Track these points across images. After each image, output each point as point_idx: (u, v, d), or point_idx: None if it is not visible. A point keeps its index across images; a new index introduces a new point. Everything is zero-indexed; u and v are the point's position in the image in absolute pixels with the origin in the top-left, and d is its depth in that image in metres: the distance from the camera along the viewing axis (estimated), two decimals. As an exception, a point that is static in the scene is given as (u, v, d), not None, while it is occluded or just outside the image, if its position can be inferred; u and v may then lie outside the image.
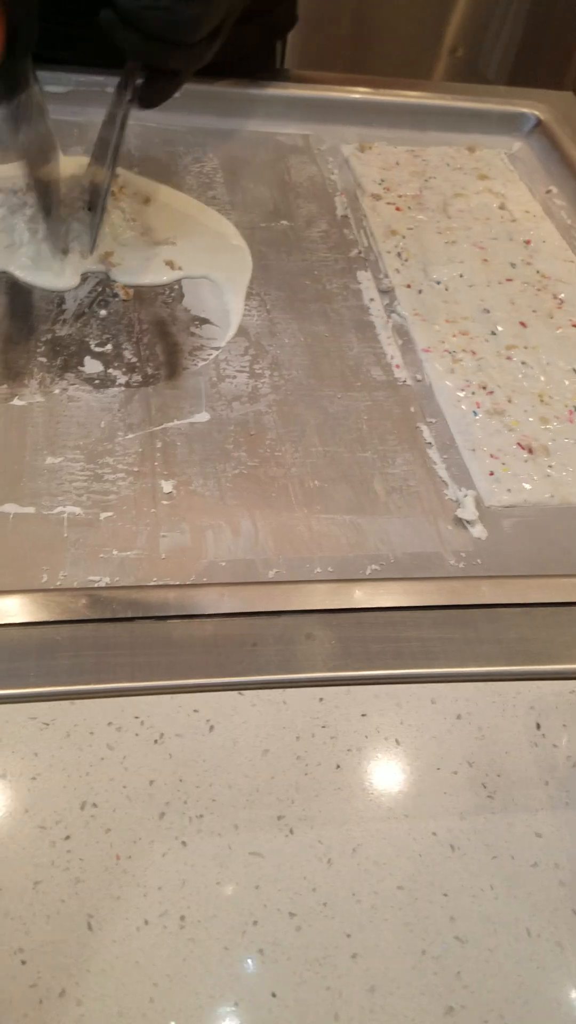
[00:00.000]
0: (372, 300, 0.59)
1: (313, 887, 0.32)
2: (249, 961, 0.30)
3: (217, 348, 0.55)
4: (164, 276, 0.58)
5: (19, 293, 0.56)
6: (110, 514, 0.45)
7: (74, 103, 0.68)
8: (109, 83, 0.69)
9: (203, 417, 0.51)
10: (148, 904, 0.31)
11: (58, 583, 0.42)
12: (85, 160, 0.59)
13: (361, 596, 0.40)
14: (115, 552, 0.44)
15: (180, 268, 0.59)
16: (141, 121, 0.70)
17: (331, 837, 0.34)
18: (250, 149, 0.70)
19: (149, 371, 0.53)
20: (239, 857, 0.33)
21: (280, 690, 0.37)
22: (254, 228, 0.63)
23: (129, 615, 0.39)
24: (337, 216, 0.65)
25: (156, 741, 0.35)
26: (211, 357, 0.54)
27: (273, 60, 0.79)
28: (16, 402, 0.49)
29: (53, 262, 0.57)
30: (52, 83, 0.68)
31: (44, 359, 0.52)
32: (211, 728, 0.36)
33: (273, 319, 0.57)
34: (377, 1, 1.61)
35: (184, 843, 0.33)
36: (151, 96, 0.53)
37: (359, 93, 0.73)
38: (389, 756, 0.36)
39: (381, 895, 0.33)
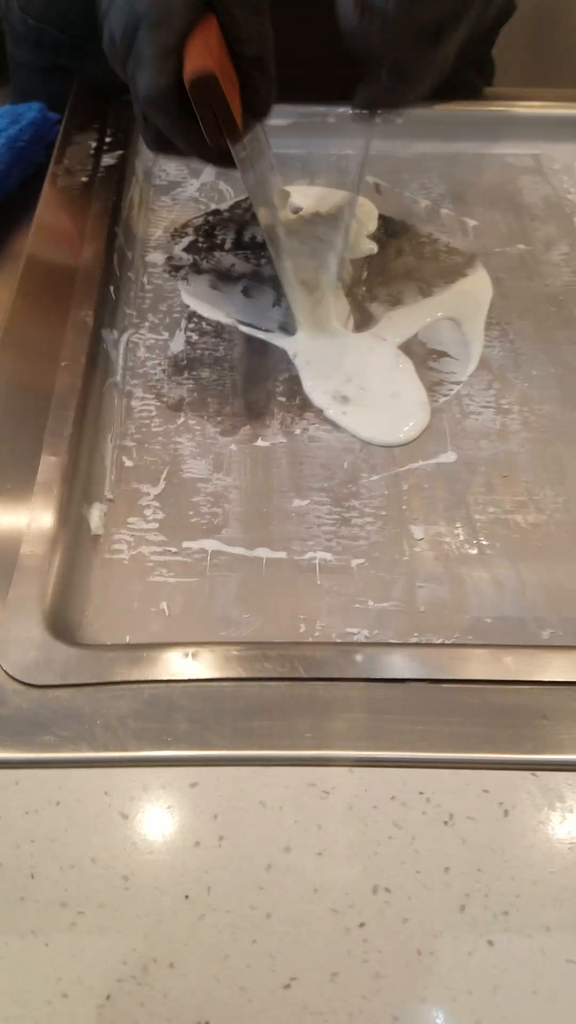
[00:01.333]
0: (629, 327, 0.55)
1: None
2: None
3: (458, 383, 0.52)
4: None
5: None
6: (362, 561, 0.43)
7: (296, 135, 0.68)
8: (331, 113, 0.68)
9: (450, 457, 0.48)
10: (459, 1010, 0.28)
11: (316, 634, 0.40)
12: (319, 190, 0.57)
13: None
14: (371, 603, 0.41)
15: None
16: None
17: None
18: (477, 172, 0.67)
19: (393, 408, 0.50)
20: (555, 964, 0.29)
21: (582, 772, 0.33)
22: (488, 254, 0.60)
23: (401, 676, 0.36)
24: (580, 237, 0.61)
25: (446, 823, 0.32)
26: (452, 392, 0.52)
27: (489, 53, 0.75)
28: (260, 443, 0.48)
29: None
30: (275, 116, 0.68)
31: (283, 398, 0.51)
32: (505, 813, 0.32)
33: (517, 350, 0.54)
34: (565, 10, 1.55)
35: (491, 942, 0.29)
36: (388, 98, 0.47)
37: (595, 108, 0.68)
38: None
39: None
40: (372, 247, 0.59)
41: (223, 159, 0.46)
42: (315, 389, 0.51)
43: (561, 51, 1.49)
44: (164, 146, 0.46)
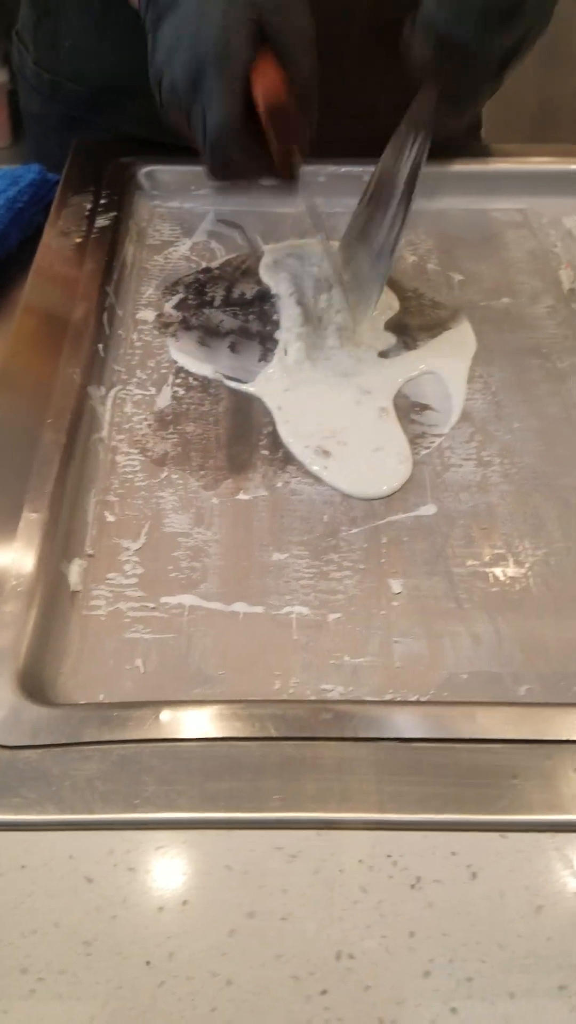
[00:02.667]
0: (611, 379, 0.55)
1: None
2: None
3: (440, 435, 0.52)
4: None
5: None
6: (339, 615, 0.43)
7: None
8: (321, 172, 0.70)
9: (430, 510, 0.48)
10: None
11: (291, 690, 0.40)
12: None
13: None
14: (347, 658, 0.41)
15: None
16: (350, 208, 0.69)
17: (623, 1018, 0.29)
18: (465, 227, 0.68)
19: (374, 462, 0.51)
20: (518, 1036, 0.28)
21: (550, 834, 0.33)
22: (473, 307, 0.61)
23: (373, 735, 0.36)
24: (564, 290, 0.62)
25: (412, 886, 0.32)
26: (434, 445, 0.52)
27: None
28: (242, 496, 0.49)
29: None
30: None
31: (266, 452, 0.51)
32: (473, 875, 0.32)
33: (500, 402, 0.54)
34: (561, 69, 1.59)
35: (454, 1010, 0.29)
36: (452, 110, 0.53)
37: (581, 163, 0.70)
38: None
39: None
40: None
41: (291, 177, 0.51)
42: (295, 444, 0.51)
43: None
44: (227, 174, 0.51)
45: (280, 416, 0.53)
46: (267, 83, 0.47)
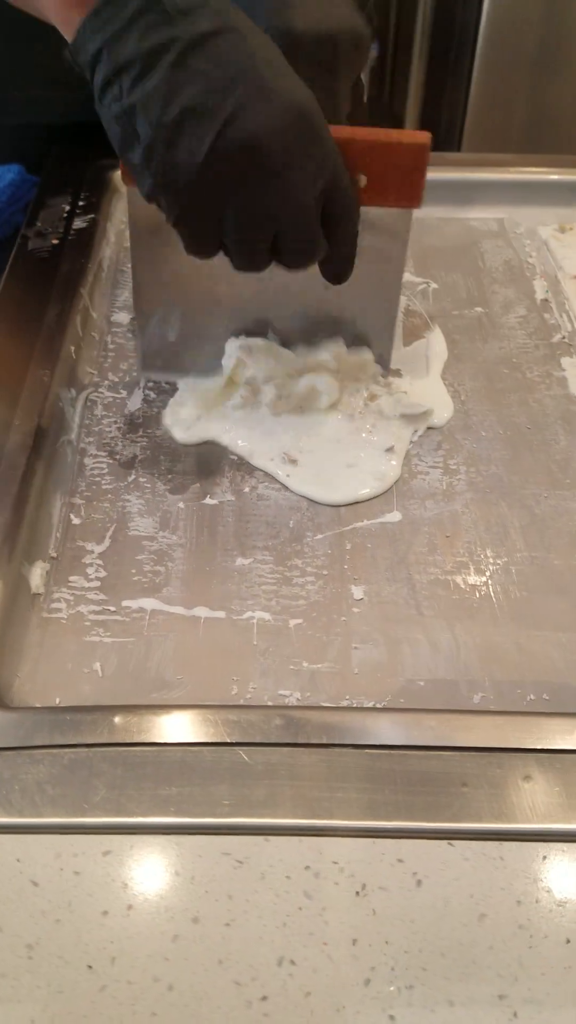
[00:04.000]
0: (579, 389, 0.55)
1: None
2: None
3: (408, 443, 0.53)
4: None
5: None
6: (300, 621, 0.43)
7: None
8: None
9: (394, 517, 0.49)
10: None
11: (248, 696, 0.40)
12: None
13: (587, 735, 0.36)
14: (305, 664, 0.42)
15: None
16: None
17: (561, 1027, 0.29)
18: (441, 235, 0.68)
19: (341, 468, 0.51)
20: (455, 1044, 0.29)
21: (496, 843, 0.33)
22: (446, 316, 0.61)
23: (325, 741, 0.36)
24: (537, 300, 0.62)
25: (358, 893, 0.32)
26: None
27: None
28: (208, 500, 0.49)
29: None
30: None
31: (235, 456, 0.52)
32: (419, 883, 0.32)
33: (468, 411, 0.54)
34: (555, 78, 1.59)
35: (392, 1017, 0.29)
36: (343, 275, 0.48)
37: (557, 173, 0.70)
38: (626, 930, 0.31)
39: None
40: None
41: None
42: (260, 456, 0.51)
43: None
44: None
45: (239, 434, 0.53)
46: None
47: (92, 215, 0.65)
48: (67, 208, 0.66)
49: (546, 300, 0.62)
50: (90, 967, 0.30)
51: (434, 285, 0.64)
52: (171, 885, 0.32)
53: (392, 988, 0.30)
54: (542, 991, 0.30)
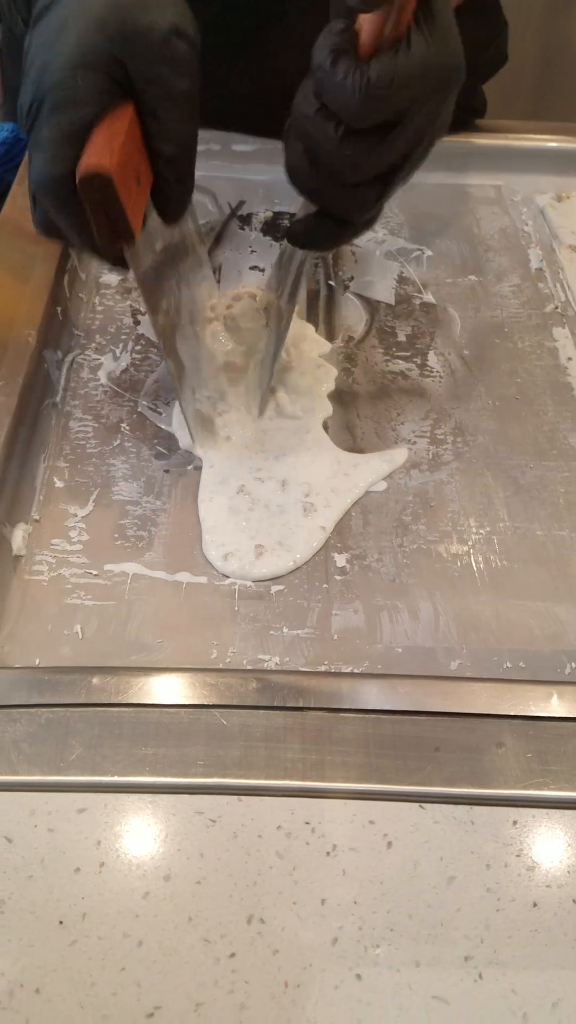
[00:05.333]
0: (570, 359, 0.55)
1: (503, 1048, 0.28)
2: None
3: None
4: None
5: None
6: (281, 587, 0.43)
7: (260, 161, 0.68)
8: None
9: (380, 486, 0.48)
10: (317, 1047, 0.28)
11: (228, 660, 0.40)
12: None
13: (560, 703, 0.36)
14: (285, 630, 0.42)
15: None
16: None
17: (526, 987, 0.29)
18: (437, 202, 0.67)
19: (327, 436, 0.51)
20: (420, 1000, 0.29)
21: (467, 807, 0.33)
22: (440, 284, 0.60)
23: (300, 704, 0.36)
24: (531, 269, 0.61)
25: (328, 853, 0.32)
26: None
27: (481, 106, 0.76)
28: (192, 467, 0.49)
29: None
30: (239, 143, 0.69)
31: (222, 421, 0.51)
32: (389, 845, 0.32)
33: (457, 380, 0.54)
34: (564, 43, 1.56)
35: (359, 976, 0.30)
36: (315, 239, 0.42)
37: (556, 141, 0.69)
38: (593, 895, 0.32)
39: (585, 1069, 0.28)
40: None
41: (116, 260, 0.40)
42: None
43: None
44: (52, 231, 0.40)
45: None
46: (97, 147, 0.36)
47: (83, 175, 0.64)
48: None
49: (540, 269, 0.61)
50: (61, 922, 0.30)
51: (428, 252, 0.63)
52: (144, 843, 0.33)
53: (359, 948, 0.30)
54: (508, 953, 0.30)
